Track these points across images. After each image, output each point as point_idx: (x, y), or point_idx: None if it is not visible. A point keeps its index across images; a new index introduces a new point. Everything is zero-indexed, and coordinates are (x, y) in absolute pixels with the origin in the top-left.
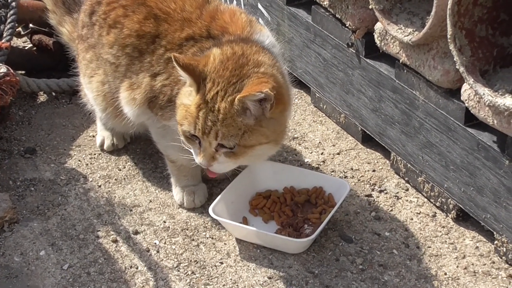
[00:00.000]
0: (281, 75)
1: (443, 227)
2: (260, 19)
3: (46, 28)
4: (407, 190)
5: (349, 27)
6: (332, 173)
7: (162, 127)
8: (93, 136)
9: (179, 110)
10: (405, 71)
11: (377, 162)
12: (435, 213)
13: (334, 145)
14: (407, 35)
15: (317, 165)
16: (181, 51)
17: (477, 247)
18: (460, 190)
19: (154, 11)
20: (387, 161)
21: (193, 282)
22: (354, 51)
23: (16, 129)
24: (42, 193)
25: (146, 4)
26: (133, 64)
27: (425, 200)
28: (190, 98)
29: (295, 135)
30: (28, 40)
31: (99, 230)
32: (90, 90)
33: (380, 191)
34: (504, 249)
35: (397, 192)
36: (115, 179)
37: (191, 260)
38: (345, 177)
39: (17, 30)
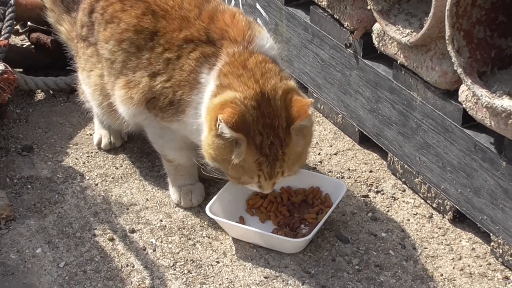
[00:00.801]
0: (285, 76)
1: (440, 228)
2: (258, 19)
3: (44, 26)
4: (404, 191)
5: (347, 27)
6: (329, 173)
7: (159, 127)
8: (91, 135)
9: (230, 169)
10: (403, 72)
11: (374, 162)
12: (432, 214)
13: (331, 146)
14: (405, 36)
15: (314, 165)
16: (180, 53)
17: (473, 249)
18: (457, 192)
19: (152, 7)
20: (384, 162)
21: (189, 281)
22: (352, 52)
23: (14, 126)
24: (39, 191)
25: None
26: (130, 60)
27: (422, 201)
28: (237, 155)
29: None
30: (26, 38)
31: (96, 229)
32: (88, 85)
33: (377, 192)
34: (501, 250)
35: (394, 193)
36: (112, 178)
37: (187, 259)
38: (342, 177)
39: (15, 28)
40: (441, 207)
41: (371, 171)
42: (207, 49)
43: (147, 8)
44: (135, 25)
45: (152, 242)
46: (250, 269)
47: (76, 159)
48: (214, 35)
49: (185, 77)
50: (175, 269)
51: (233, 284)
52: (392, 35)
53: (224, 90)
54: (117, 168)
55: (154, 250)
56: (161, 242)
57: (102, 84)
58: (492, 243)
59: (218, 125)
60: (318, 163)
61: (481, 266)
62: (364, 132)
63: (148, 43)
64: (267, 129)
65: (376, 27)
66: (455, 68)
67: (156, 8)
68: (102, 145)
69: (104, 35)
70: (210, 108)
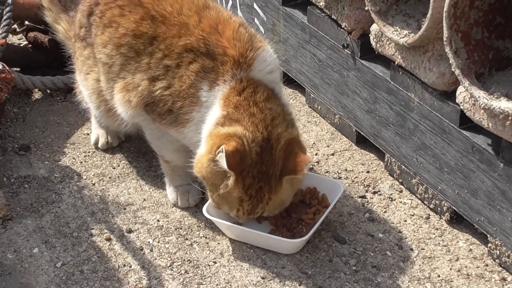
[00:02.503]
0: (291, 119)
1: (437, 229)
2: (255, 19)
3: (42, 26)
4: (401, 191)
5: (345, 28)
6: (326, 173)
7: (157, 128)
8: (88, 134)
9: (215, 194)
10: (400, 73)
11: (371, 163)
12: (429, 215)
13: (328, 146)
14: (403, 37)
15: (311, 166)
16: (180, 61)
17: (470, 250)
18: (454, 193)
19: (151, 12)
20: (381, 163)
21: (186, 281)
22: (349, 52)
23: (11, 126)
24: (36, 190)
25: (143, 5)
26: (129, 64)
27: (419, 202)
28: (224, 186)
29: None
30: (23, 37)
31: (93, 228)
32: (85, 87)
33: (374, 193)
34: (498, 252)
35: (391, 194)
36: (109, 177)
37: (184, 259)
38: (339, 178)
39: (12, 27)
40: (438, 208)
41: (368, 172)
42: (207, 62)
43: (146, 13)
44: (133, 30)
45: (149, 242)
46: (247, 269)
47: (73, 158)
48: (214, 48)
49: (184, 89)
50: (172, 269)
51: (230, 285)
52: (390, 36)
53: (233, 123)
54: (114, 168)
55: (151, 250)
56: (158, 242)
57: (99, 88)
58: (489, 244)
59: (218, 153)
60: (316, 163)
61: (478, 267)
62: (361, 132)
63: (148, 48)
64: (261, 175)
65: (374, 28)
66: (452, 69)
67: (155, 14)
68: (99, 144)
69: (101, 39)
70: (214, 134)
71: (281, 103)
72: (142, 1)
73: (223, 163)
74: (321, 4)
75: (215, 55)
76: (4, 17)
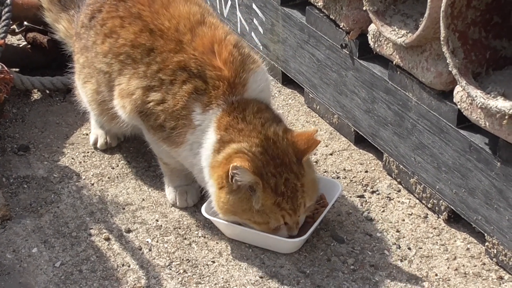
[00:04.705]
0: (280, 118)
1: (435, 228)
2: (254, 19)
3: (41, 26)
4: (399, 191)
5: (343, 28)
6: (325, 173)
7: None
8: (87, 134)
9: (255, 216)
10: (398, 72)
11: (370, 163)
12: (427, 214)
13: (327, 146)
14: (401, 37)
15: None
16: (174, 78)
17: (468, 249)
18: (451, 192)
19: (150, 26)
20: (380, 162)
21: (185, 281)
22: (347, 52)
23: (10, 126)
24: (35, 190)
25: (142, 18)
26: (125, 69)
27: (417, 201)
28: (256, 200)
29: None
30: (22, 37)
31: (92, 228)
32: (84, 94)
33: (372, 192)
34: (495, 250)
35: (389, 193)
36: (108, 177)
37: (183, 259)
38: (338, 177)
39: (11, 27)
40: (436, 207)
41: (366, 171)
42: (200, 83)
43: (145, 26)
44: (132, 41)
45: (148, 241)
46: (245, 268)
47: (72, 158)
48: (206, 71)
49: (177, 110)
50: (170, 269)
51: (229, 284)
52: (388, 36)
53: (226, 145)
54: (113, 168)
55: (150, 250)
56: (157, 241)
57: (99, 99)
58: (486, 243)
59: (233, 177)
60: (314, 163)
61: (475, 266)
62: (359, 132)
63: (145, 58)
64: (279, 168)
65: (372, 27)
66: (450, 69)
67: (154, 27)
68: (98, 145)
69: (102, 48)
70: (215, 166)
71: (272, 113)
72: (142, 14)
73: (246, 177)
74: (319, 4)
75: (206, 77)
76: (3, 18)
